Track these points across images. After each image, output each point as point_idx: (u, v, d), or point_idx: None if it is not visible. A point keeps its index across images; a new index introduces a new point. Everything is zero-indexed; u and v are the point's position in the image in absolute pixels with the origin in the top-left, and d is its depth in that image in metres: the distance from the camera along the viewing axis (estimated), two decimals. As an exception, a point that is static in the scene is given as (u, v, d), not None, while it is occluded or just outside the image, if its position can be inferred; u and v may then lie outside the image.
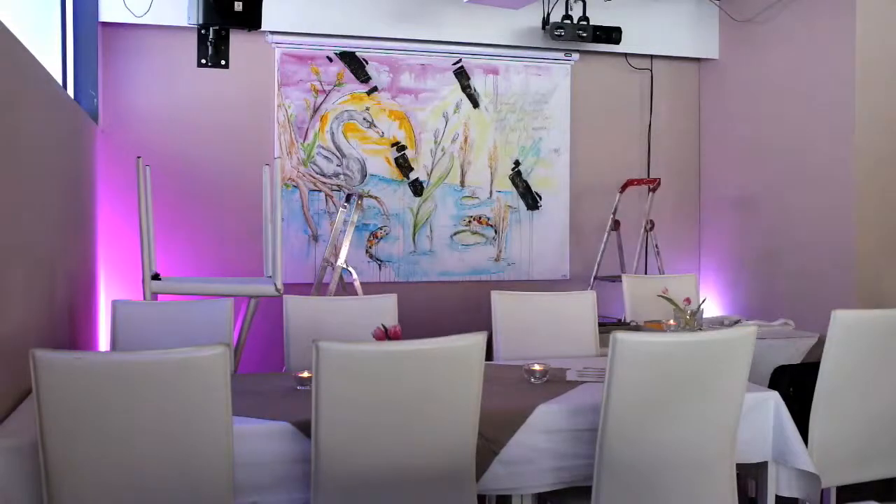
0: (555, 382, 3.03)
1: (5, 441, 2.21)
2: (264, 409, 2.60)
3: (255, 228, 5.08)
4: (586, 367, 3.34)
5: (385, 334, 2.86)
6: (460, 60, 5.87)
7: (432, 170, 5.82)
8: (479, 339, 2.43)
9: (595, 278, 5.79)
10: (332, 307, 3.86)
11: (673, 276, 5.32)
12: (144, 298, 4.08)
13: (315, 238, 5.59)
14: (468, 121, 5.90)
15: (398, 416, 2.38)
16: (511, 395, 2.88)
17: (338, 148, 5.64)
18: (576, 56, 6.11)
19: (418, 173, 5.79)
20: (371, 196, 5.67)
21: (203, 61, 4.29)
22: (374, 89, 5.69)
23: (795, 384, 3.36)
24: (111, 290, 5.06)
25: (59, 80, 4.44)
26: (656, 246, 5.83)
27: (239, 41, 5.28)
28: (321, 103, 5.60)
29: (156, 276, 4.15)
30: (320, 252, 5.51)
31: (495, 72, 5.95)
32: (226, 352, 2.19)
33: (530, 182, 6.06)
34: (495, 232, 6.00)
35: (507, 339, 3.79)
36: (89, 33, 4.90)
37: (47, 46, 4.24)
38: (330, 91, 5.61)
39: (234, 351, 4.03)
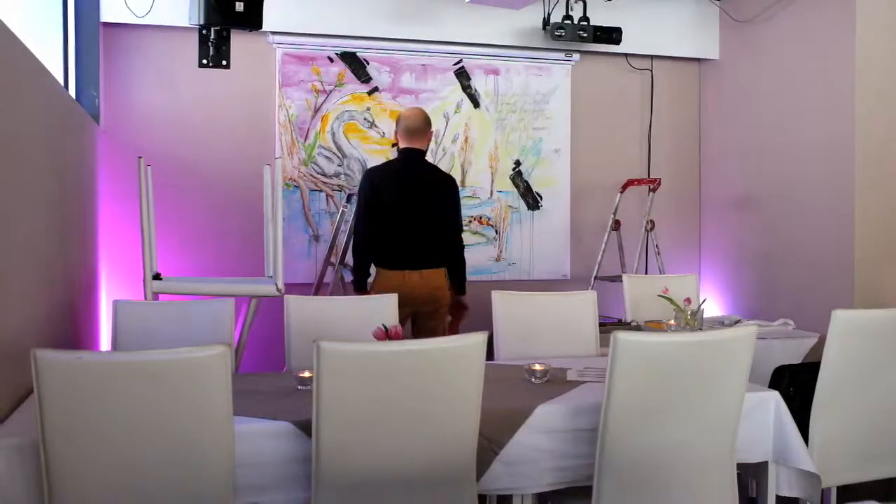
0: (555, 382, 3.03)
1: (6, 441, 2.22)
2: (265, 408, 2.60)
3: (255, 228, 5.08)
4: (587, 367, 3.34)
5: (385, 334, 2.85)
6: (461, 60, 5.87)
7: (433, 170, 5.81)
8: (479, 339, 2.43)
9: (595, 278, 5.79)
10: (333, 307, 3.86)
11: (673, 276, 5.31)
12: (145, 298, 4.08)
13: (316, 238, 5.60)
14: (469, 121, 5.91)
15: (399, 415, 2.38)
16: (511, 395, 2.88)
17: (339, 148, 5.64)
18: (576, 56, 6.11)
19: (419, 173, 5.78)
20: (372, 196, 5.67)
21: (204, 62, 4.28)
22: (375, 89, 5.70)
23: (795, 384, 3.35)
24: (112, 289, 5.07)
25: (61, 80, 4.44)
26: (656, 246, 5.83)
27: (240, 41, 5.26)
28: (322, 103, 5.60)
29: (157, 276, 4.16)
30: (321, 252, 5.51)
31: (496, 72, 5.95)
32: (226, 352, 2.19)
33: (531, 182, 6.06)
34: (496, 232, 6.00)
35: (507, 339, 3.78)
36: (91, 33, 4.90)
37: (49, 46, 4.24)
38: (331, 91, 5.62)
39: (235, 351, 4.03)
